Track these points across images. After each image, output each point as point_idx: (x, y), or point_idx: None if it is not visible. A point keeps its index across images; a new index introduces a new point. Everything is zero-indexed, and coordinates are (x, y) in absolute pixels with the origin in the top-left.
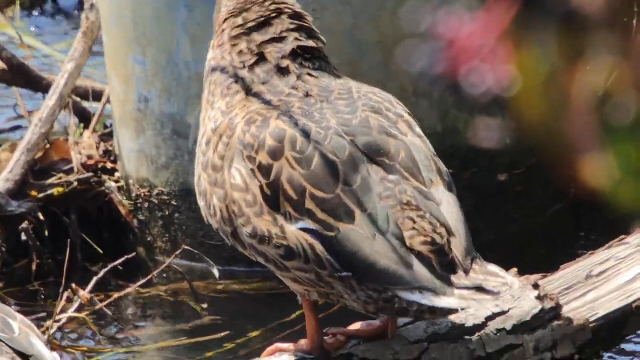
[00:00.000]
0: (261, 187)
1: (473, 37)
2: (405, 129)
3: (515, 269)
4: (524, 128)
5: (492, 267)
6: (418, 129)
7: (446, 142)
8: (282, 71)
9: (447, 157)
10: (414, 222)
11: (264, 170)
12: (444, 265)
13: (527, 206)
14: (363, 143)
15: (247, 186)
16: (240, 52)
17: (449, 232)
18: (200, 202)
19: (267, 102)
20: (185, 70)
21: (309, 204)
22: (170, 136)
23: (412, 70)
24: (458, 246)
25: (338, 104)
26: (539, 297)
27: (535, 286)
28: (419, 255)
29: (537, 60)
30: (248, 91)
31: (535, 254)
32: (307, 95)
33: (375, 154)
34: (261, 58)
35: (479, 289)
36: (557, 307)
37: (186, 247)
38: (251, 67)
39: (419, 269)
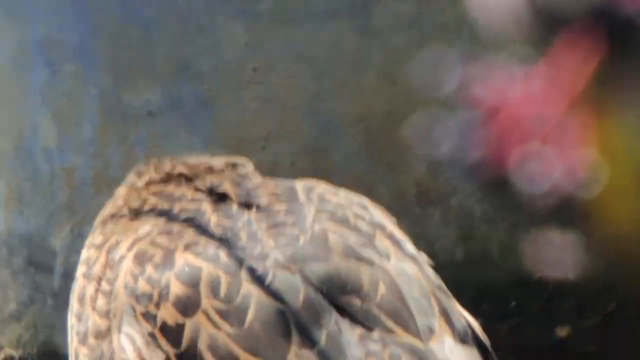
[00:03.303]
0: None
1: (529, 105)
2: (387, 247)
3: None
4: (606, 251)
5: None
6: (410, 247)
7: (471, 277)
8: (180, 179)
9: (473, 303)
10: None
11: (172, 334)
12: None
13: None
14: (319, 275)
15: None
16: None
17: None
18: None
19: (166, 216)
20: (45, 164)
21: None
22: (23, 268)
23: (427, 155)
24: None
25: (274, 210)
26: None
27: None
28: None
29: (634, 140)
30: (137, 212)
31: None
32: (218, 194)
33: (338, 292)
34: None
35: None
36: None
37: None
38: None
39: None
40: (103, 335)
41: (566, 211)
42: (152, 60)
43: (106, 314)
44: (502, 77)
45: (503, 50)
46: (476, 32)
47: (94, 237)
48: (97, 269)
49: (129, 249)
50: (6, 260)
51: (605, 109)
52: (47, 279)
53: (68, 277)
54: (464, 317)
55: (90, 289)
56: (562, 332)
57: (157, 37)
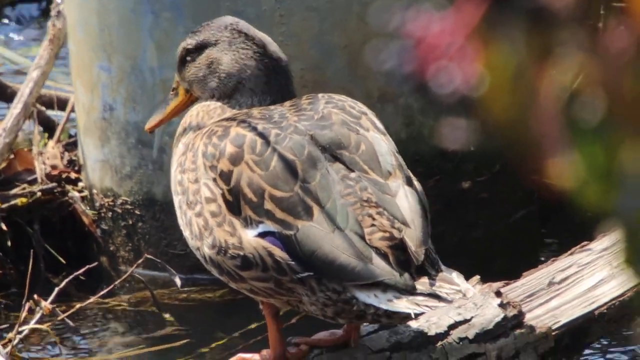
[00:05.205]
0: (223, 195)
1: (442, 36)
2: (367, 124)
3: (477, 277)
4: (490, 131)
5: (449, 274)
6: (381, 127)
7: (410, 149)
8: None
9: (412, 165)
10: (373, 218)
11: (225, 177)
12: (401, 261)
13: (492, 212)
14: (324, 137)
15: (214, 197)
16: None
17: (405, 225)
18: (186, 232)
19: (225, 119)
20: (150, 77)
21: (268, 205)
22: (134, 145)
23: (380, 69)
24: (412, 236)
25: (301, 104)
26: (501, 305)
27: (498, 294)
28: (378, 251)
29: (505, 59)
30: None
31: (500, 260)
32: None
33: (335, 147)
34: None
35: (433, 295)
36: (520, 315)
37: (149, 256)
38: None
39: (378, 262)
40: (196, 183)
41: (467, 105)
42: (218, 10)
43: (194, 171)
44: (426, 18)
45: (428, 2)
46: None
47: (176, 150)
48: (188, 157)
49: (204, 132)
50: (124, 139)
51: (489, 39)
52: (149, 152)
53: (163, 150)
54: (410, 174)
55: (187, 162)
56: (466, 184)
57: None
